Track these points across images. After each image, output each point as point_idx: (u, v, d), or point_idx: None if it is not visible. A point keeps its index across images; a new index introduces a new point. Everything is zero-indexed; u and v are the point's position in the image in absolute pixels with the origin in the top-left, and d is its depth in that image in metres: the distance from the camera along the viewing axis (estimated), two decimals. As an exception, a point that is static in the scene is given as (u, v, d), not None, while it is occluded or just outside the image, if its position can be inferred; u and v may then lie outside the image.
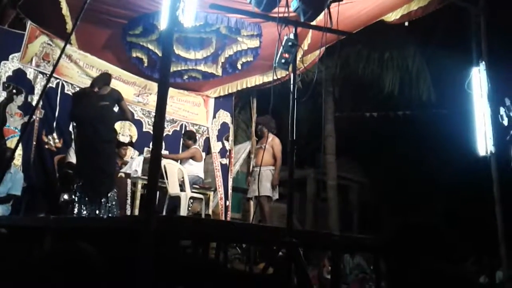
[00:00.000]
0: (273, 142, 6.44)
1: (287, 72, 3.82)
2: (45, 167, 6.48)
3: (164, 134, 7.18)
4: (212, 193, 7.49)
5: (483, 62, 5.58)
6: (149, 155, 6.14)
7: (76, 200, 4.81)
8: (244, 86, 8.11)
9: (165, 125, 7.78)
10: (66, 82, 6.90)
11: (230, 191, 8.45)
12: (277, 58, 3.65)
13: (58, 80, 6.79)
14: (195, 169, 7.01)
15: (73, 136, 6.08)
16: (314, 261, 7.91)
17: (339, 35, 4.52)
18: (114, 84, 5.46)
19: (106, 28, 6.57)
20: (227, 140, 8.66)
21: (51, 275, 1.57)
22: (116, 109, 5.33)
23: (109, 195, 4.96)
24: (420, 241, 1.58)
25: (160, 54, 6.64)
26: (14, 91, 6.35)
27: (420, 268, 1.52)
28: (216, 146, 8.51)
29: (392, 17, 5.90)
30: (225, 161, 8.52)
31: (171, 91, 7.70)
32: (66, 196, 5.11)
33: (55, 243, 3.14)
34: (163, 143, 6.68)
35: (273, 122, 6.57)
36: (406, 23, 5.93)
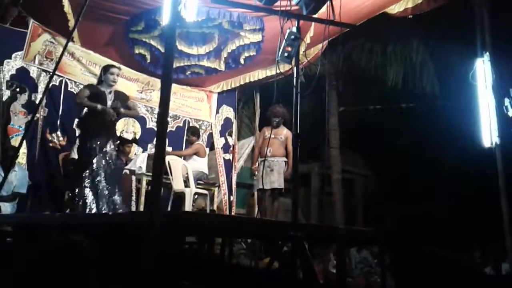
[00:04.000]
0: (288, 134, 6.33)
1: (290, 66, 3.82)
2: (50, 165, 6.50)
3: (168, 130, 7.19)
4: (216, 189, 7.50)
5: (487, 53, 5.54)
6: (153, 151, 6.15)
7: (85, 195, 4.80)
8: (247, 81, 8.09)
9: (169, 121, 7.78)
10: (69, 80, 6.90)
11: (234, 186, 8.46)
12: (280, 52, 3.64)
13: (61, 78, 6.80)
14: (199, 165, 7.01)
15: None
16: (320, 255, 7.92)
17: (342, 27, 4.50)
18: (118, 81, 5.46)
19: (108, 25, 6.57)
20: (230, 135, 8.66)
21: (48, 269, 1.58)
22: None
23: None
24: (423, 230, 1.58)
25: (162, 50, 6.63)
26: (18, 89, 6.37)
27: (423, 256, 1.51)
28: (219, 142, 8.51)
29: (395, 9, 5.85)
30: (228, 156, 8.52)
31: (174, 87, 7.68)
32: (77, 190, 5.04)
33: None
34: (167, 139, 6.72)
35: (288, 114, 6.47)
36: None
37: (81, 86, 6.89)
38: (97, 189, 4.83)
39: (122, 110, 5.20)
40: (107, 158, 4.98)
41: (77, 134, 5.64)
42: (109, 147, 5.04)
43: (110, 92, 5.14)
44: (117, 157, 5.22)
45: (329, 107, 10.93)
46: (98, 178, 4.85)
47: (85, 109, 5.10)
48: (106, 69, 5.24)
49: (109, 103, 5.07)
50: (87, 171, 4.84)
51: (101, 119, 5.00)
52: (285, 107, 6.32)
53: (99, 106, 4.96)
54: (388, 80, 10.75)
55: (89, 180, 4.82)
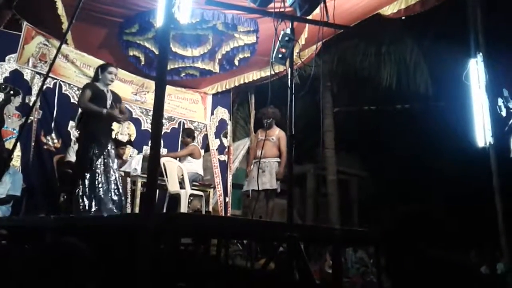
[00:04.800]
0: (280, 135, 6.39)
1: (285, 67, 3.82)
2: (45, 168, 6.47)
3: (163, 132, 7.18)
4: (212, 190, 7.50)
5: (481, 54, 5.57)
6: (148, 153, 6.14)
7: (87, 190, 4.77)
8: (242, 82, 8.11)
9: (163, 123, 7.78)
10: (63, 82, 6.88)
11: (229, 188, 8.46)
12: (274, 53, 3.65)
13: (55, 80, 6.78)
14: (194, 166, 7.01)
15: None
16: (316, 256, 7.93)
17: (336, 29, 4.52)
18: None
19: (102, 27, 6.56)
20: (225, 136, 8.66)
21: (44, 272, 1.58)
22: None
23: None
24: (419, 229, 1.58)
25: (157, 52, 6.63)
26: (12, 92, 6.34)
27: (418, 256, 1.52)
28: (214, 143, 8.51)
29: (389, 11, 5.88)
30: (223, 157, 8.52)
31: (169, 88, 7.69)
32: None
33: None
34: (162, 141, 6.71)
35: (279, 115, 6.51)
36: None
37: (75, 88, 6.93)
38: (99, 191, 4.79)
39: (124, 116, 5.24)
40: (109, 160, 4.94)
41: (76, 137, 5.57)
42: (110, 148, 5.02)
43: (107, 91, 5.08)
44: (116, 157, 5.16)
45: (324, 108, 10.95)
46: (99, 180, 4.81)
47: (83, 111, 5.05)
48: (104, 67, 5.14)
49: (108, 102, 5.00)
50: (88, 174, 4.80)
51: (103, 122, 4.97)
52: (277, 107, 6.34)
53: (104, 111, 4.89)
54: (383, 81, 10.79)
55: (89, 183, 4.77)
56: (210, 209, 7.33)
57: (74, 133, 6.83)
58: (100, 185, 4.79)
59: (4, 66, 6.30)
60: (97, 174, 4.80)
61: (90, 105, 4.93)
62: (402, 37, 10.54)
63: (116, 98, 5.20)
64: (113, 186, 4.90)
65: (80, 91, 5.35)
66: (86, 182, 4.75)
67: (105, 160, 4.90)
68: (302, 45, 6.19)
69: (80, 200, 4.69)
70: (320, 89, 8.80)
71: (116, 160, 5.08)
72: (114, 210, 4.78)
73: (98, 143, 4.87)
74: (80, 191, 4.72)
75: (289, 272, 3.22)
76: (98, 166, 4.83)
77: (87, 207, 4.66)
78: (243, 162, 9.25)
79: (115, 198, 4.87)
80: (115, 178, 4.95)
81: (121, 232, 3.18)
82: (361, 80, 11.43)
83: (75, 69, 6.99)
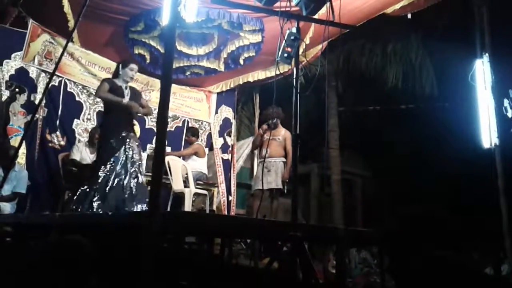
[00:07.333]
0: (286, 135, 6.37)
1: (290, 67, 3.83)
2: (49, 165, 6.50)
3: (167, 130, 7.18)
4: (216, 189, 7.50)
5: (487, 54, 5.55)
6: (152, 151, 6.14)
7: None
8: (247, 81, 8.10)
9: (168, 121, 7.77)
10: (68, 80, 6.91)
11: (233, 187, 8.45)
12: (280, 52, 3.65)
13: (60, 78, 6.80)
14: (199, 165, 7.01)
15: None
16: (319, 256, 7.91)
17: (342, 28, 4.50)
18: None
19: (108, 25, 6.57)
20: (229, 135, 8.65)
21: (48, 269, 1.59)
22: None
23: None
24: (423, 230, 1.58)
25: (162, 51, 6.64)
26: (17, 90, 6.37)
27: (422, 256, 1.52)
28: (217, 142, 8.51)
29: (394, 7, 5.86)
30: (227, 156, 8.51)
31: (174, 87, 7.68)
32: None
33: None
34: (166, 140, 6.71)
35: (283, 114, 6.50)
36: (409, 16, 5.89)
37: (80, 86, 6.95)
38: (112, 187, 4.71)
39: (141, 109, 5.14)
40: (130, 153, 4.85)
41: (97, 135, 5.50)
42: (132, 141, 4.92)
43: (126, 88, 5.02)
44: (138, 150, 5.05)
45: (329, 107, 10.92)
46: (115, 175, 4.73)
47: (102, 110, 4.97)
48: (125, 64, 5.09)
49: (126, 98, 4.94)
50: (107, 167, 4.71)
51: (122, 114, 4.91)
52: (282, 107, 6.33)
53: (124, 101, 4.83)
54: (388, 81, 10.75)
55: (104, 178, 4.70)
56: (214, 208, 7.33)
57: (78, 131, 6.86)
58: (115, 181, 4.73)
59: (10, 64, 6.33)
60: (113, 169, 4.73)
61: (108, 95, 4.86)
62: (408, 37, 10.49)
63: (136, 94, 5.14)
64: (131, 180, 4.84)
65: (98, 85, 5.22)
66: (101, 176, 4.69)
67: (126, 153, 4.82)
68: (307, 44, 6.17)
69: (91, 195, 4.64)
70: (325, 89, 8.79)
71: (139, 154, 4.99)
72: (127, 206, 4.74)
73: (118, 136, 4.80)
74: (91, 186, 4.68)
75: (292, 271, 3.22)
76: (117, 160, 4.76)
77: (96, 203, 4.63)
78: (247, 161, 9.24)
79: (132, 192, 4.80)
80: (136, 172, 4.89)
81: (125, 230, 3.18)
82: (366, 80, 11.38)
83: (80, 67, 7.01)
